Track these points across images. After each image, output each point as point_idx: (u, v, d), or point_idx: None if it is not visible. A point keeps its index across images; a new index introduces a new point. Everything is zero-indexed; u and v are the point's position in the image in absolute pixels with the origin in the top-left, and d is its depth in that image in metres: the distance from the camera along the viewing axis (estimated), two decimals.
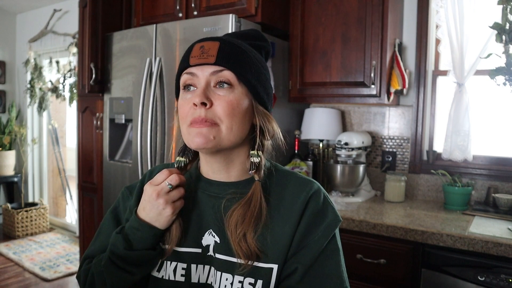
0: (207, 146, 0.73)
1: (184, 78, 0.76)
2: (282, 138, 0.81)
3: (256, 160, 0.77)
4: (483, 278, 1.43)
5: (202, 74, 0.74)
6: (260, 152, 0.78)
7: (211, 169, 0.81)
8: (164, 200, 0.74)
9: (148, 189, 0.76)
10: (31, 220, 4.01)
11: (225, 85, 0.73)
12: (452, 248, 1.51)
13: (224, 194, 0.78)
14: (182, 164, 0.82)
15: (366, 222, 1.68)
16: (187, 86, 0.76)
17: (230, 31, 1.86)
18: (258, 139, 0.78)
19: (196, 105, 0.72)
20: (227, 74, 0.73)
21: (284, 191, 0.79)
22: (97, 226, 2.72)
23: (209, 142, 0.72)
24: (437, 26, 2.11)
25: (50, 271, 3.15)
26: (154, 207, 0.74)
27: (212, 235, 0.78)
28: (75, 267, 3.24)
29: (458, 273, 1.49)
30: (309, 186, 0.79)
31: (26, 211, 3.96)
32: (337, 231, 0.78)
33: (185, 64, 0.76)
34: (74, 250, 3.62)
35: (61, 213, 4.45)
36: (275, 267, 0.74)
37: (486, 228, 1.58)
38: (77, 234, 3.55)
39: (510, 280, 1.39)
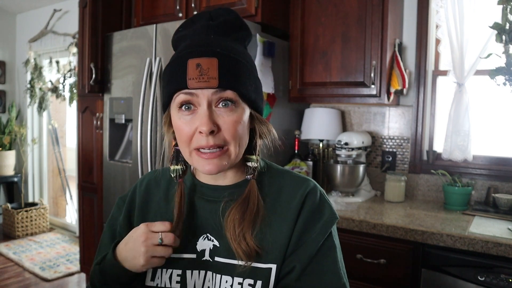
0: (221, 171, 0.74)
1: (181, 98, 0.71)
2: (278, 141, 0.81)
3: (254, 165, 0.78)
4: (483, 278, 1.43)
5: (202, 93, 0.70)
6: (259, 156, 0.79)
7: (209, 176, 0.81)
8: (145, 249, 0.71)
9: (142, 229, 0.73)
10: (31, 220, 4.01)
11: (229, 104, 0.71)
12: (452, 248, 1.51)
13: (221, 198, 0.78)
14: (180, 172, 0.80)
15: (366, 222, 1.68)
16: (185, 105, 0.72)
17: None
18: (257, 146, 0.79)
19: (202, 132, 0.70)
20: (230, 94, 0.70)
21: (280, 190, 0.79)
22: (97, 226, 2.73)
23: (222, 168, 0.73)
24: (437, 26, 2.11)
25: (50, 271, 3.15)
26: (134, 249, 0.72)
27: (208, 239, 0.77)
28: (75, 267, 3.23)
29: (458, 273, 1.49)
30: (305, 184, 0.79)
31: (26, 211, 3.96)
32: (334, 228, 0.78)
33: (180, 85, 0.70)
34: (74, 250, 3.62)
35: (61, 213, 4.45)
36: (273, 267, 0.74)
37: (486, 228, 1.58)
38: (77, 234, 3.55)
39: (510, 280, 1.39)
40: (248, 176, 0.78)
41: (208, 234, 0.77)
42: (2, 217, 4.12)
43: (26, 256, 3.45)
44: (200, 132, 0.70)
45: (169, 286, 0.77)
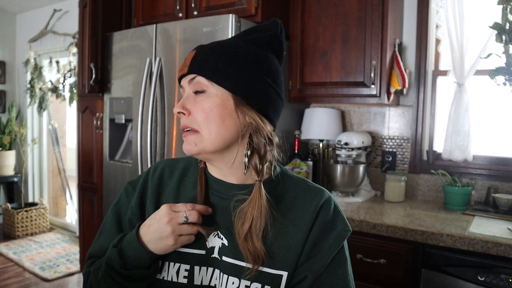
0: (192, 152, 0.76)
1: (181, 92, 0.81)
2: (276, 140, 0.78)
3: (245, 160, 0.76)
4: (483, 278, 1.43)
5: (185, 85, 0.78)
6: (249, 151, 0.76)
7: (215, 170, 0.82)
8: (172, 229, 0.72)
9: (164, 210, 0.74)
10: (31, 220, 4.01)
11: (199, 92, 0.75)
12: (452, 248, 1.51)
13: (231, 196, 0.78)
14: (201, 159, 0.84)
15: (366, 222, 1.68)
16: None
17: (230, 31, 1.87)
18: (241, 138, 0.76)
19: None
20: (200, 80, 0.75)
21: (295, 198, 0.79)
22: (97, 226, 2.72)
23: (193, 148, 0.76)
24: (437, 26, 2.11)
25: (50, 271, 3.15)
26: (159, 230, 0.73)
27: (219, 237, 0.77)
28: (75, 267, 3.24)
29: (458, 273, 1.49)
30: (320, 195, 0.79)
31: (26, 211, 3.96)
32: (345, 241, 0.79)
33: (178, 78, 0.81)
34: (74, 250, 3.62)
35: (61, 213, 4.45)
36: (284, 274, 0.74)
37: (486, 228, 1.58)
38: (77, 234, 3.55)
39: (510, 280, 1.39)
40: (245, 172, 0.76)
41: (218, 232, 0.78)
42: (2, 217, 4.12)
43: (26, 256, 3.45)
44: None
45: (176, 281, 0.77)
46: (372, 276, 1.68)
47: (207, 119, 0.74)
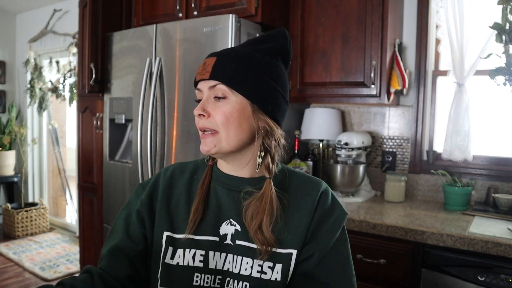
0: (210, 152, 0.84)
1: (196, 93, 0.88)
2: (283, 141, 0.88)
3: (259, 160, 0.86)
4: (483, 278, 1.43)
5: (204, 88, 0.85)
6: (263, 153, 0.86)
7: (227, 167, 0.90)
8: None
9: None
10: (31, 220, 4.01)
11: (220, 98, 0.83)
12: (452, 248, 1.51)
13: (240, 188, 0.87)
14: (209, 157, 0.93)
15: (366, 222, 1.68)
16: (198, 100, 0.87)
17: (230, 31, 1.87)
18: (256, 141, 0.86)
19: (196, 116, 0.85)
20: (221, 88, 0.82)
21: (298, 188, 0.89)
22: (97, 226, 2.73)
23: (211, 149, 0.84)
24: (437, 26, 2.11)
25: (50, 271, 3.15)
26: None
27: (231, 224, 0.86)
28: (75, 267, 3.24)
29: (458, 273, 1.49)
30: (319, 185, 0.90)
31: (26, 211, 3.96)
32: (344, 225, 0.90)
33: (195, 80, 0.88)
34: (74, 250, 3.62)
35: (61, 213, 4.45)
36: (294, 252, 0.83)
37: (486, 228, 1.58)
38: (77, 234, 3.55)
39: (510, 280, 1.39)
40: (257, 170, 0.86)
41: (231, 220, 0.86)
42: (2, 217, 4.12)
43: (26, 256, 3.45)
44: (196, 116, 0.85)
45: (192, 265, 0.85)
46: (372, 276, 1.68)
47: (227, 122, 0.82)
